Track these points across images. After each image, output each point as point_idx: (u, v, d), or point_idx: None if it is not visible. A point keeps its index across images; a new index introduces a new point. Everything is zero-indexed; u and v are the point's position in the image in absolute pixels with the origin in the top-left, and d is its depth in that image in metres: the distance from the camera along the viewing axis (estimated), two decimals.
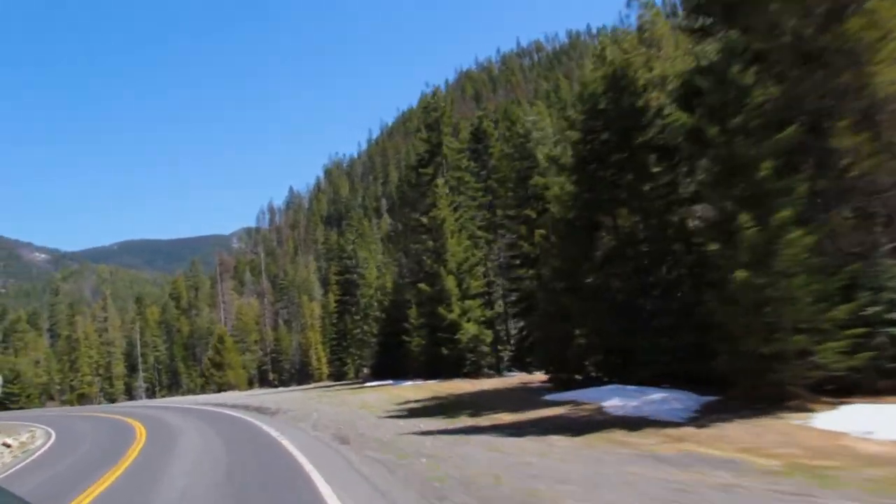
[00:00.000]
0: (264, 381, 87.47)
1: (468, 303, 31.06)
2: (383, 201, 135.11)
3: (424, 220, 34.25)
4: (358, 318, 55.91)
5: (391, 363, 39.30)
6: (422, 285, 32.63)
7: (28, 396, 73.79)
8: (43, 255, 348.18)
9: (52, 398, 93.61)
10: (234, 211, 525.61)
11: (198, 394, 73.17)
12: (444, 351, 29.99)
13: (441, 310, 30.29)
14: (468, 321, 30.42)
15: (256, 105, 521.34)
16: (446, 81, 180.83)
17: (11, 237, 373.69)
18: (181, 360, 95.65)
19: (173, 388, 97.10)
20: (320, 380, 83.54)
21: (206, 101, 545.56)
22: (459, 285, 31.13)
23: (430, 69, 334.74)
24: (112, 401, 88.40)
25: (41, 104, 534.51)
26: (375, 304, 50.23)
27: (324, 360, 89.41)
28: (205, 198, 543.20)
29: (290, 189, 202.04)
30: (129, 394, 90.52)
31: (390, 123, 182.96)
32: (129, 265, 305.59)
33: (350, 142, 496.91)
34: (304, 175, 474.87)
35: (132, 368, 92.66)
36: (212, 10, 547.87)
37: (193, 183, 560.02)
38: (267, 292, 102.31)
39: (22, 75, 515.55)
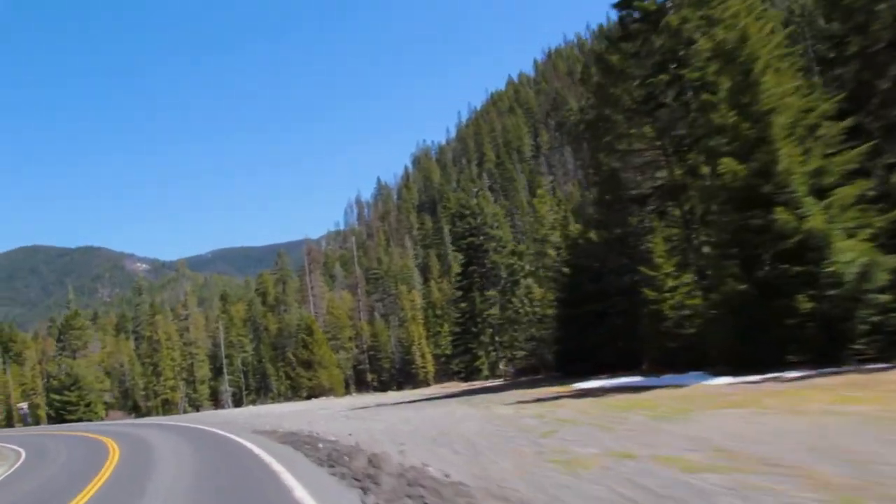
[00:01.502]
0: (361, 384, 75.87)
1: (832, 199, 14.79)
2: (485, 178, 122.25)
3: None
4: (492, 293, 42.55)
5: (581, 351, 25.86)
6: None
7: (88, 405, 63.95)
8: (144, 265, 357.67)
9: (135, 407, 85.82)
10: (322, 213, 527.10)
11: (285, 401, 62.02)
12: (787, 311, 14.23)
13: (780, 213, 14.33)
14: (839, 236, 14.27)
15: (339, 105, 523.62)
16: (535, 62, 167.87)
17: (116, 249, 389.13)
18: (269, 362, 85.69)
19: (262, 392, 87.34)
20: (426, 381, 71.02)
21: (286, 106, 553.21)
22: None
23: (516, 53, 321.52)
24: (196, 408, 79.25)
25: (137, 115, 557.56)
26: (520, 272, 36.66)
27: (429, 357, 77.02)
28: (293, 202, 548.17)
29: (378, 181, 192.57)
30: (215, 400, 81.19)
31: (479, 107, 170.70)
32: (223, 272, 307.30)
33: (437, 130, 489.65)
34: (392, 166, 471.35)
35: (218, 371, 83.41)
36: (284, 16, 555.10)
37: (282, 188, 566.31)
38: (360, 284, 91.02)
39: (121, 84, 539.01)
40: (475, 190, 48.44)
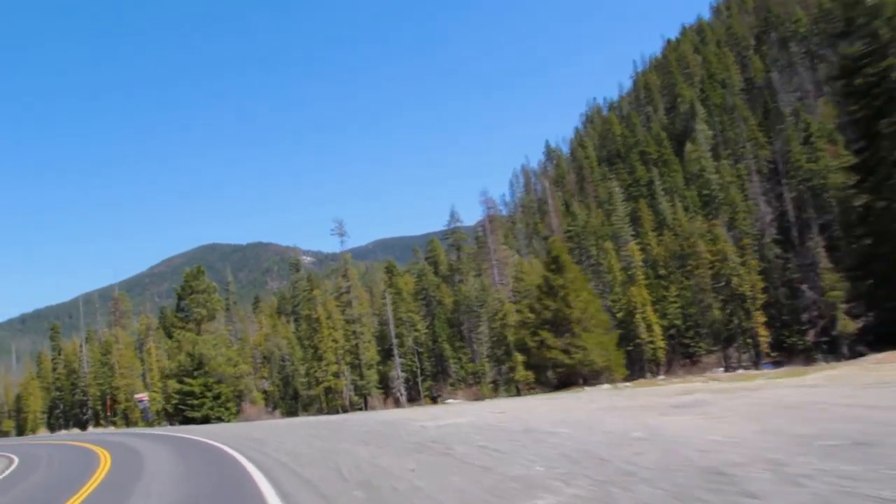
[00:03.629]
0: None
1: None
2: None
3: None
4: None
5: None
6: None
7: (218, 398, 46.58)
8: (309, 258, 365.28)
9: (296, 396, 74.17)
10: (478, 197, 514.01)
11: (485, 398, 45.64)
12: None
13: None
14: None
15: (490, 86, 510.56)
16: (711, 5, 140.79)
17: (282, 244, 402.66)
18: (445, 341, 70.42)
19: (439, 377, 72.28)
20: (655, 362, 51.99)
21: (437, 89, 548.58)
22: None
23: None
24: (364, 399, 65.70)
25: (293, 113, 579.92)
26: None
27: (657, 330, 57.65)
28: (449, 189, 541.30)
29: (546, 144, 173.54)
30: (385, 388, 67.07)
31: (656, 55, 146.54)
32: (383, 261, 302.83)
33: (607, 87, 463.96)
34: (560, 131, 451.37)
35: (386, 355, 69.45)
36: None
37: (441, 173, 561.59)
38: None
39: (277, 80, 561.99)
40: None
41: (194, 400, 42.45)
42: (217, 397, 44.17)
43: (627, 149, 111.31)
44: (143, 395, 43.91)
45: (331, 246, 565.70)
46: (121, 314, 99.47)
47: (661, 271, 63.35)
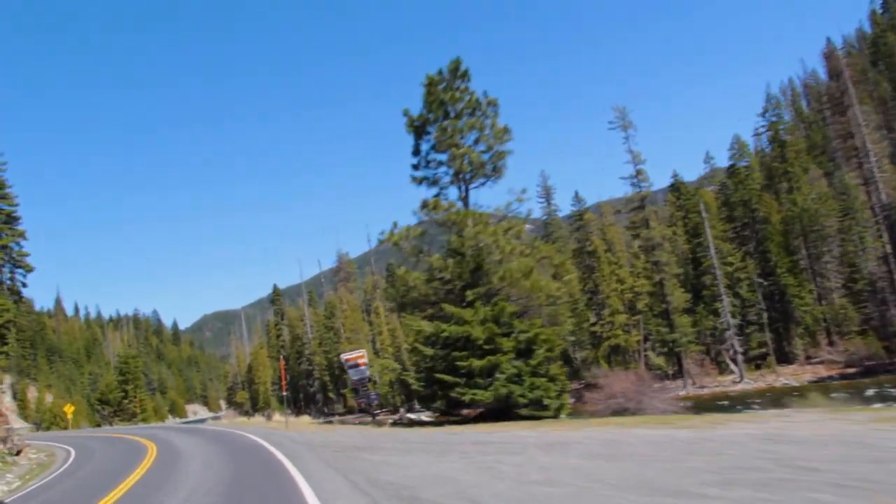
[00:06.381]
0: None
1: None
2: None
3: None
4: None
5: None
6: None
7: (529, 354, 18.86)
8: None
9: (567, 359, 55.21)
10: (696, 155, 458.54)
11: None
12: None
13: None
14: None
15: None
16: None
17: None
18: (787, 274, 46.98)
19: (779, 328, 48.95)
20: None
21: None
22: None
23: None
24: (679, 360, 44.82)
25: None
26: None
27: None
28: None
29: (766, 94, 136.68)
30: (718, 345, 45.57)
31: None
32: None
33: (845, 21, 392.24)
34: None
35: (696, 293, 47.81)
36: None
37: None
38: None
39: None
40: None
41: (474, 360, 17.98)
42: (527, 351, 18.84)
43: None
44: (359, 355, 22.49)
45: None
46: (346, 276, 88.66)
47: None
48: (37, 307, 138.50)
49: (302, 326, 78.98)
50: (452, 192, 19.56)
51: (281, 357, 39.25)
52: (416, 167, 19.65)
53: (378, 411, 26.60)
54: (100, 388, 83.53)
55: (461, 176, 18.78)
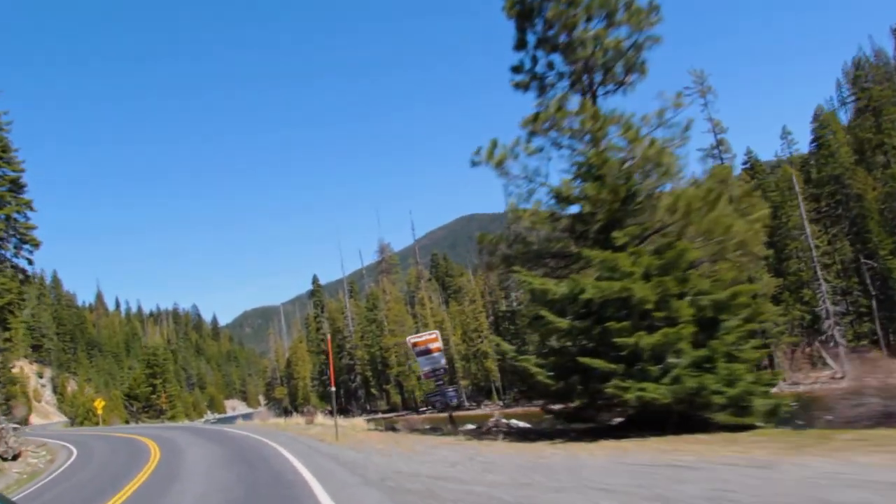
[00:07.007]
0: None
1: None
2: None
3: None
4: None
5: None
6: None
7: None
8: None
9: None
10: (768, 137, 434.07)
11: None
12: None
13: None
14: None
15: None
16: None
17: None
18: (891, 255, 41.62)
19: (883, 317, 43.53)
20: None
21: None
22: None
23: None
24: (768, 353, 39.80)
25: None
26: None
27: None
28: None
29: (855, 59, 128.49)
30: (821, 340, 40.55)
31: None
32: None
33: None
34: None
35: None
36: None
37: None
38: None
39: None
40: None
41: (643, 336, 11.72)
42: (712, 323, 12.43)
43: None
44: (432, 338, 19.27)
45: None
46: (387, 267, 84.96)
47: None
48: (78, 302, 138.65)
49: (342, 319, 75.56)
50: (572, 102, 14.49)
51: (327, 336, 35.42)
52: (516, 69, 14.66)
53: (452, 413, 21.96)
54: (128, 383, 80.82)
55: (586, 77, 13.89)
